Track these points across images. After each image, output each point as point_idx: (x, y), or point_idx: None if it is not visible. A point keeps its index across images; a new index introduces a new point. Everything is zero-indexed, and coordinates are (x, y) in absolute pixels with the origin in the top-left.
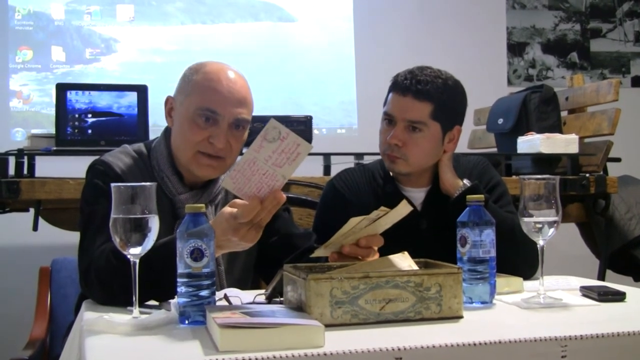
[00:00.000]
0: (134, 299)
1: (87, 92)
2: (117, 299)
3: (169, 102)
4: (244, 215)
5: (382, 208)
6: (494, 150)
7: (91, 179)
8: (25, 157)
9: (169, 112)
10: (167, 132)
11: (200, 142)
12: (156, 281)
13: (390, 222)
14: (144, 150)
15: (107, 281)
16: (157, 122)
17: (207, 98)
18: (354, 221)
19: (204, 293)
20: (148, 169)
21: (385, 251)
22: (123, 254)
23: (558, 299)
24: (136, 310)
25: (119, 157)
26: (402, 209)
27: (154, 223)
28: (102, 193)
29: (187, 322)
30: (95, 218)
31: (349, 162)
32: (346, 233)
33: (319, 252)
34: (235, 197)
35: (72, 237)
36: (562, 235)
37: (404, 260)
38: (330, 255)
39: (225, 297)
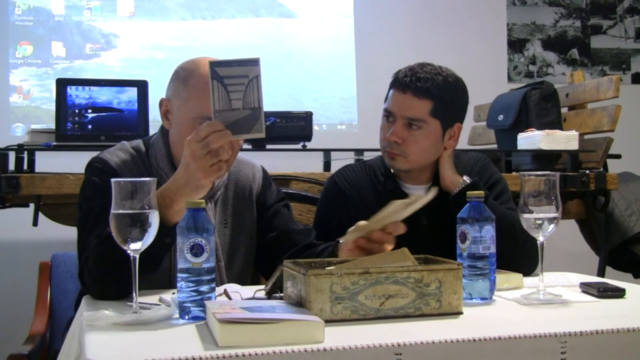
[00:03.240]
0: (133, 293)
1: (87, 88)
2: (110, 288)
3: (163, 104)
4: (202, 130)
5: (418, 194)
6: (494, 146)
7: (89, 176)
8: (25, 152)
9: (165, 114)
10: (163, 129)
11: None
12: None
13: (417, 208)
14: (142, 147)
15: (98, 270)
16: (157, 117)
17: (206, 107)
18: (395, 203)
19: (204, 288)
20: (146, 166)
21: None
22: (113, 239)
23: (558, 295)
24: (136, 305)
25: (117, 154)
26: (431, 194)
27: (154, 218)
28: (99, 190)
29: (187, 317)
30: (92, 215)
31: (349, 159)
32: (383, 217)
33: (348, 236)
34: (236, 192)
35: (72, 232)
36: (561, 231)
37: (404, 257)
38: (357, 240)
39: (225, 293)
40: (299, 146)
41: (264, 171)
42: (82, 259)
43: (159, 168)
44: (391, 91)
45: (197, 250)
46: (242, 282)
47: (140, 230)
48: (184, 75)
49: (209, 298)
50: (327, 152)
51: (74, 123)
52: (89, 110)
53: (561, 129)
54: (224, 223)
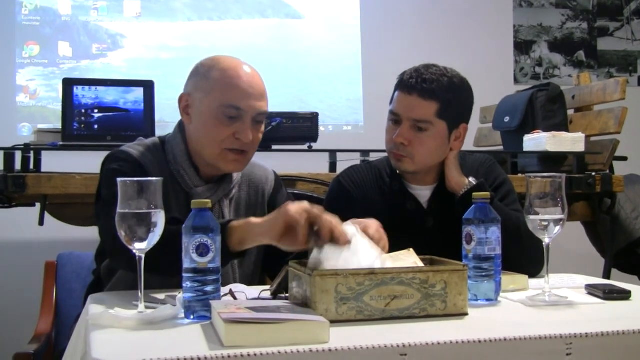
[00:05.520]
0: (139, 292)
1: (93, 88)
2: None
3: (184, 99)
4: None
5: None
6: (500, 148)
7: (110, 164)
8: (32, 152)
9: (185, 109)
10: (181, 125)
11: (226, 139)
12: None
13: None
14: (158, 143)
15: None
16: (163, 117)
17: (229, 95)
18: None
19: (210, 288)
20: (164, 161)
21: (391, 248)
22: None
23: (563, 297)
24: (142, 305)
25: (136, 147)
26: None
27: (160, 218)
28: (122, 176)
29: (192, 317)
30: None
31: (355, 159)
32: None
33: None
34: (248, 193)
35: (78, 232)
36: (567, 233)
37: (409, 257)
38: None
39: (231, 293)
40: (305, 147)
41: (276, 175)
42: (114, 231)
43: (177, 164)
44: (397, 93)
45: (202, 250)
46: (252, 282)
47: (145, 230)
48: (205, 70)
49: (215, 298)
50: (333, 153)
51: (80, 123)
52: (96, 110)
53: (567, 131)
54: None
